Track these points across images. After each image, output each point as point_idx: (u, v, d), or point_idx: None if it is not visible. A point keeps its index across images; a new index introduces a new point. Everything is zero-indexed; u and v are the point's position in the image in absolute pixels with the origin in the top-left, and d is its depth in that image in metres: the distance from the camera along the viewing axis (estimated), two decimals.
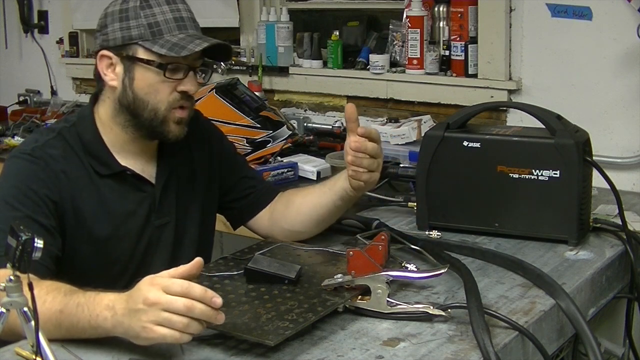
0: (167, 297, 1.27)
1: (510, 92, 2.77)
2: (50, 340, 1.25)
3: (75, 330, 1.36)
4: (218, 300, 1.29)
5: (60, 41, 4.13)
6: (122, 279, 1.68)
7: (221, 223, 2.03)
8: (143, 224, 1.73)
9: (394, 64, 3.11)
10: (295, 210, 1.87)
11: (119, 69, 1.67)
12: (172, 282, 1.29)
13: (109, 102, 1.71)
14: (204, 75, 1.74)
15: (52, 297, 1.38)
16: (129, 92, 1.66)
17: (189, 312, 1.26)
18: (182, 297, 1.27)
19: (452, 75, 2.91)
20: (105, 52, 1.68)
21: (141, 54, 1.64)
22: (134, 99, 1.66)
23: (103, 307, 1.33)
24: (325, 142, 3.09)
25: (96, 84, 1.74)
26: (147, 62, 1.64)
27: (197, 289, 1.28)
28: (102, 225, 1.67)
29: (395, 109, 3.08)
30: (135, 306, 1.29)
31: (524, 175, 1.86)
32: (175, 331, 1.26)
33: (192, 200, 1.82)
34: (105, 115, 1.72)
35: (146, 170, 1.75)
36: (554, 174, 1.83)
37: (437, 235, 1.91)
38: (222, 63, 3.47)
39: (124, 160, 1.72)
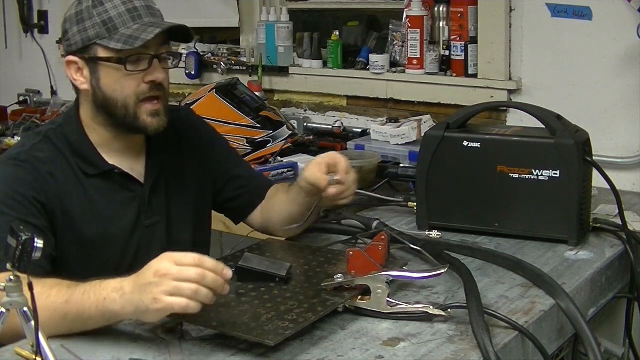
0: (178, 267, 1.31)
1: (510, 92, 2.77)
2: (53, 337, 1.25)
3: (82, 319, 1.37)
4: (229, 272, 1.35)
5: (60, 41, 4.11)
6: None
7: (221, 223, 2.03)
8: (133, 224, 1.73)
9: (394, 64, 3.11)
10: (276, 209, 1.88)
11: (86, 71, 1.67)
12: (184, 254, 1.33)
13: (87, 104, 1.71)
14: (174, 60, 1.73)
15: (56, 291, 1.39)
16: (99, 92, 1.67)
17: (201, 280, 1.30)
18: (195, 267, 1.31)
19: (452, 75, 2.91)
20: (70, 57, 1.68)
21: (101, 52, 1.64)
22: (104, 98, 1.66)
23: (110, 290, 1.35)
24: (325, 142, 3.09)
25: (74, 89, 1.73)
26: (107, 59, 1.64)
27: (208, 260, 1.33)
28: (91, 227, 1.67)
29: (395, 109, 3.08)
30: (146, 280, 1.32)
31: (524, 175, 1.86)
32: (183, 298, 1.29)
33: (183, 198, 1.81)
34: (87, 117, 1.72)
35: (135, 168, 1.75)
36: (554, 174, 1.83)
37: (437, 235, 1.91)
38: (222, 63, 3.48)
39: (112, 159, 1.72)
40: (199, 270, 1.31)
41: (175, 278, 1.30)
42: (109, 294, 1.35)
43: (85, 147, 1.70)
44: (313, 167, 1.71)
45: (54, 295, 1.38)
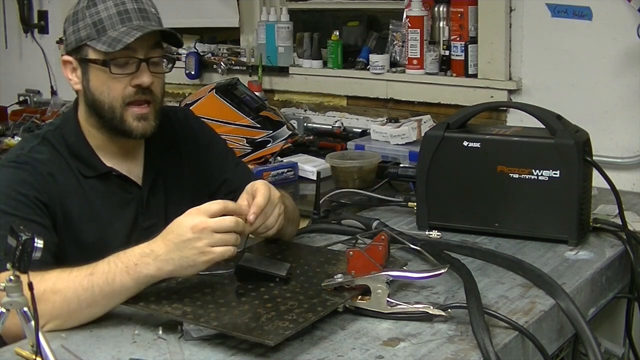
0: (213, 219, 1.42)
1: (510, 92, 2.77)
2: (54, 334, 1.25)
3: (110, 289, 1.41)
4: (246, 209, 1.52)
5: (60, 41, 4.11)
6: None
7: None
8: (130, 226, 1.72)
9: (394, 64, 3.11)
10: None
11: (79, 72, 1.68)
12: (208, 205, 1.44)
13: (82, 105, 1.72)
14: (168, 64, 1.72)
15: (77, 269, 1.43)
16: (89, 93, 1.67)
17: (237, 226, 1.44)
18: (223, 214, 1.43)
19: (452, 75, 2.91)
20: (66, 57, 1.69)
21: (91, 54, 1.64)
22: (93, 99, 1.67)
23: (138, 256, 1.42)
24: (325, 142, 3.10)
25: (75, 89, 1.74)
26: (94, 61, 1.64)
27: (230, 203, 1.47)
28: (89, 228, 1.67)
29: (395, 109, 3.08)
30: (183, 237, 1.40)
31: (524, 175, 1.86)
32: (229, 247, 1.42)
33: (181, 200, 1.79)
34: (82, 119, 1.72)
35: (133, 171, 1.75)
36: (554, 174, 1.83)
37: (437, 235, 1.91)
38: (222, 63, 3.48)
39: (110, 161, 1.72)
40: (232, 218, 1.43)
41: (215, 229, 1.41)
42: (140, 259, 1.41)
43: (83, 149, 1.70)
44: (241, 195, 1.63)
45: (75, 271, 1.42)
